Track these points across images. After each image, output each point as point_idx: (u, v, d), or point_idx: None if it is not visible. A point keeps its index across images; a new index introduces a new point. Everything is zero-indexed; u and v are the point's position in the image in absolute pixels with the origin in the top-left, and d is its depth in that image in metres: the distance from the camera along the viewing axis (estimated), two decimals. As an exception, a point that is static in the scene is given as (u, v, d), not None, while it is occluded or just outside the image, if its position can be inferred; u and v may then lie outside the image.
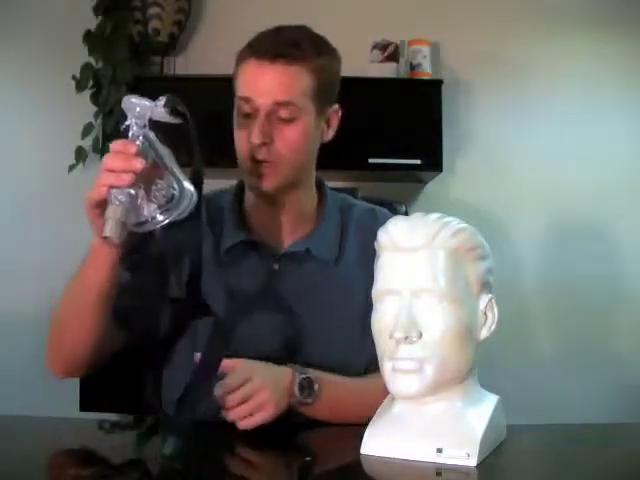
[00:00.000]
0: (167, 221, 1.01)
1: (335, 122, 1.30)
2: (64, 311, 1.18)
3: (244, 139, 1.22)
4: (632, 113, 3.05)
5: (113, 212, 0.98)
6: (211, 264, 1.26)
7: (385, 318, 0.94)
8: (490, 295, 0.97)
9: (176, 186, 1.01)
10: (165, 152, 1.03)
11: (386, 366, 0.94)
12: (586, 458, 0.98)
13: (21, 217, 2.95)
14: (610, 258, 3.04)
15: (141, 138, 1.02)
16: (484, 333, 0.96)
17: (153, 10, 2.81)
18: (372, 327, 0.97)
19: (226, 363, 1.09)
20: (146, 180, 1.01)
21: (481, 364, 0.97)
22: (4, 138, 2.99)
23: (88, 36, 2.78)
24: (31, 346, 2.86)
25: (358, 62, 2.84)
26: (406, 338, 0.91)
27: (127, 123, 1.02)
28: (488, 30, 3.04)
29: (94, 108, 2.77)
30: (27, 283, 2.91)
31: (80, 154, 2.81)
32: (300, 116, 1.21)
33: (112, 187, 0.98)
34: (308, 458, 0.99)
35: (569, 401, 2.80)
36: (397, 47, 2.87)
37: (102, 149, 2.75)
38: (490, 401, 0.98)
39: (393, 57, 2.87)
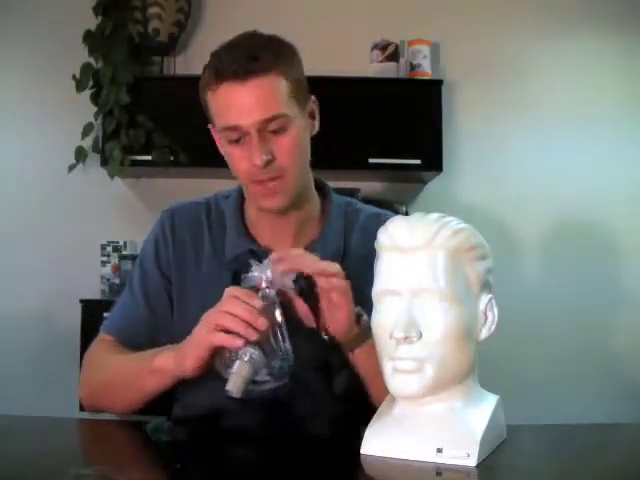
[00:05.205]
0: (271, 388, 1.01)
1: (316, 112, 1.27)
2: (120, 379, 1.19)
3: (243, 163, 1.19)
4: (631, 112, 3.05)
5: (241, 369, 0.98)
6: (214, 271, 1.25)
7: (385, 318, 0.94)
8: (490, 295, 0.97)
9: (288, 358, 1.01)
10: (283, 321, 1.03)
11: (386, 366, 0.94)
12: (586, 458, 0.98)
13: (21, 217, 2.95)
14: (610, 258, 3.04)
15: (277, 302, 1.03)
16: (484, 333, 0.96)
17: (153, 10, 2.81)
18: (372, 327, 0.97)
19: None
20: (265, 343, 1.01)
21: (481, 364, 0.97)
22: (4, 138, 2.99)
23: (88, 36, 2.79)
24: (31, 346, 2.88)
25: (358, 62, 2.85)
26: (406, 338, 0.91)
27: (254, 275, 1.05)
28: (488, 30, 3.04)
29: (94, 108, 2.77)
30: (27, 283, 2.91)
31: (80, 154, 2.81)
32: (289, 123, 1.18)
33: (247, 342, 0.99)
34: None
35: (569, 401, 2.80)
36: (397, 47, 2.88)
37: (102, 149, 2.75)
38: (490, 401, 0.98)
39: (393, 57, 2.87)
